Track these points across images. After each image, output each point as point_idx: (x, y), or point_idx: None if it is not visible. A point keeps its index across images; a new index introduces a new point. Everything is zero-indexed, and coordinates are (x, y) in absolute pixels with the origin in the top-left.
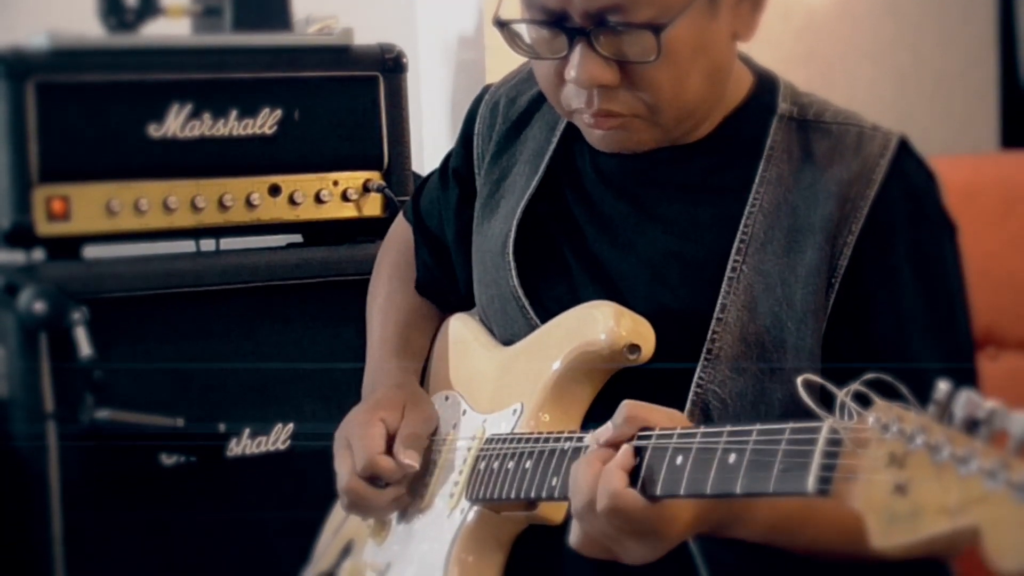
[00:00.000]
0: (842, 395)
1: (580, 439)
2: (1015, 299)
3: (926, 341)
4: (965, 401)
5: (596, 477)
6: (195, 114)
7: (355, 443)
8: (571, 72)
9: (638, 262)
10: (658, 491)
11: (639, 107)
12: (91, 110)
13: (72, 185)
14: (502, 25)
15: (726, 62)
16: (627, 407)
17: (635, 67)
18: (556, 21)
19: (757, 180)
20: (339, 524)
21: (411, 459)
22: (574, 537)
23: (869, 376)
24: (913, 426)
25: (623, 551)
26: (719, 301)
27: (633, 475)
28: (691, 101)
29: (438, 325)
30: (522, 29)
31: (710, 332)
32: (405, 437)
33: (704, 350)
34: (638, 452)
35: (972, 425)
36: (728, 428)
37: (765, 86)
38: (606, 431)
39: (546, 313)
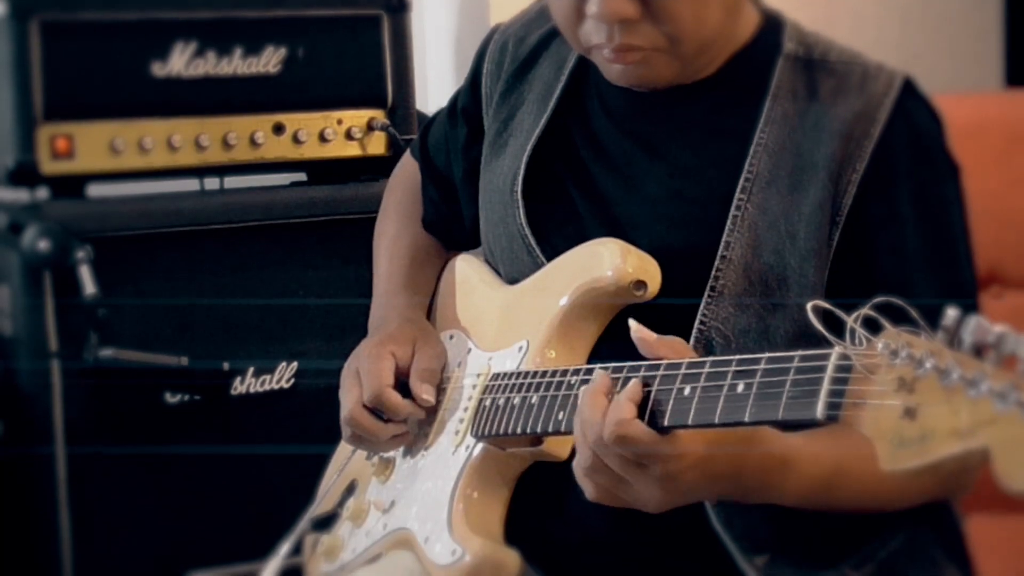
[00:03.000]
0: (851, 321)
1: (588, 372)
2: (1019, 238)
3: (928, 279)
4: (974, 326)
5: (604, 411)
6: (199, 52)
7: (364, 374)
8: (592, 7)
9: (644, 200)
10: (666, 421)
11: (660, 40)
12: (95, 48)
13: (76, 123)
14: None
15: None
16: (675, 342)
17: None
18: None
19: (762, 119)
20: (343, 463)
21: (428, 394)
22: (589, 490)
23: (879, 300)
24: (922, 351)
25: (634, 492)
26: (723, 239)
27: (641, 408)
28: (710, 33)
29: (444, 263)
30: None
31: (714, 269)
32: (421, 372)
33: (708, 287)
34: (646, 384)
35: (981, 350)
36: (736, 358)
37: (771, 26)
38: (650, 333)
39: (552, 251)
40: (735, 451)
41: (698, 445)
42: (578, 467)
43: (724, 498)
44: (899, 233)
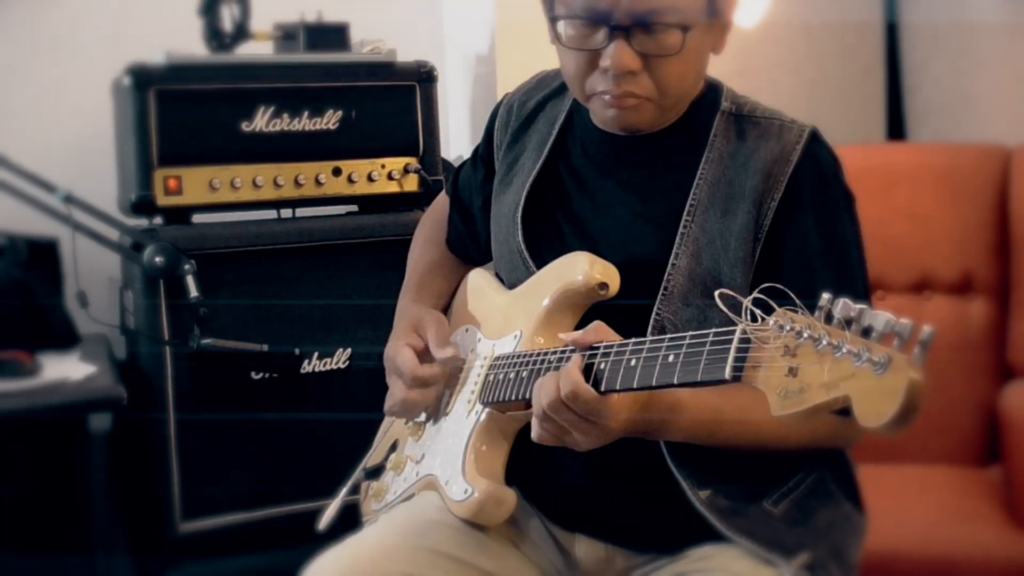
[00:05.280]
0: (746, 302)
1: (565, 350)
2: (896, 255)
3: (827, 279)
4: (842, 305)
5: (557, 382)
6: (277, 114)
7: (400, 369)
8: (607, 61)
9: (613, 222)
10: (617, 386)
11: (652, 91)
12: (198, 111)
13: (184, 168)
14: (553, 20)
15: (706, 66)
16: (597, 325)
17: (656, 59)
18: (599, 19)
19: (703, 159)
20: (387, 427)
21: (446, 352)
22: (535, 433)
23: (765, 286)
24: (801, 324)
25: (572, 438)
26: (673, 251)
27: (588, 375)
28: (687, 91)
29: (462, 274)
30: (563, 25)
31: (666, 275)
32: (434, 339)
33: (661, 288)
34: (601, 357)
35: (847, 323)
36: (668, 336)
37: (713, 89)
38: (575, 333)
39: (542, 263)
40: (649, 414)
41: (625, 404)
42: (533, 421)
43: (630, 435)
44: (804, 244)
